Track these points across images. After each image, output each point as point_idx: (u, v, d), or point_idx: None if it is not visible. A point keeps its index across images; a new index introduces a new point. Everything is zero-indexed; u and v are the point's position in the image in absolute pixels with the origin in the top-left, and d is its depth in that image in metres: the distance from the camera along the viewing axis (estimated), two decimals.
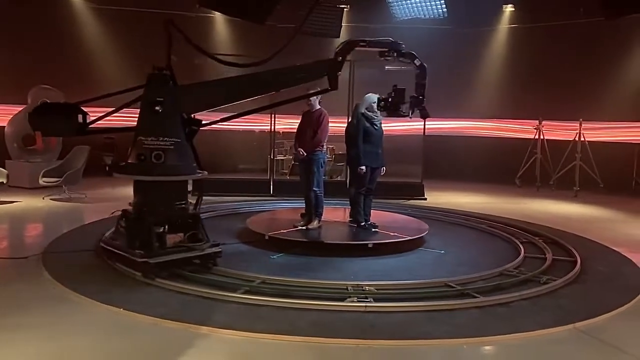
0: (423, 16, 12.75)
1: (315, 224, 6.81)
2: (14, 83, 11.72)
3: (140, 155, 5.04)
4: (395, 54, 5.66)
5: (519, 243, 6.61)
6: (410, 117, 5.86)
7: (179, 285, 4.63)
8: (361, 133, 6.69)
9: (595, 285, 5.15)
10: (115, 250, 5.18)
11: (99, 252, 5.64)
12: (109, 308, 4.16)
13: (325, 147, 6.97)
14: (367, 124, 6.71)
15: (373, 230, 6.71)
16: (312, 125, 6.78)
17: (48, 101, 5.08)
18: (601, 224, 8.56)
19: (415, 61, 5.70)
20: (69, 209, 8.75)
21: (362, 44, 5.63)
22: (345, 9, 13.17)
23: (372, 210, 7.05)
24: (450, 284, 4.88)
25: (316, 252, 5.99)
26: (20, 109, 11.40)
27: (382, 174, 7.01)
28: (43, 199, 9.26)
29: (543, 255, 6.06)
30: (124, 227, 5.19)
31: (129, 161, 5.16)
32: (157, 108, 5.04)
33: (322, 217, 6.92)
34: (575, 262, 5.74)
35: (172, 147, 5.08)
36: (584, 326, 4.07)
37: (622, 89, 12.32)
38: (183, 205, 5.31)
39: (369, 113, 6.72)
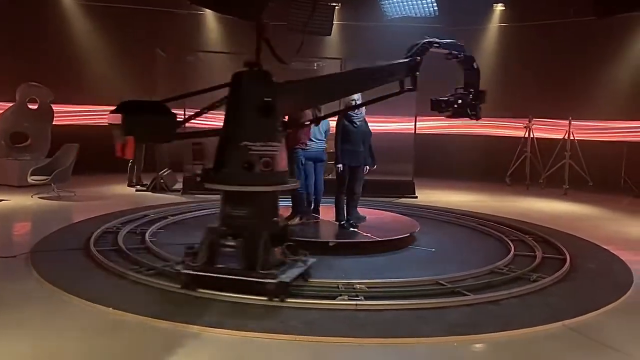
0: (414, 15, 12.75)
1: (295, 221, 6.81)
2: (2, 80, 11.60)
3: (247, 163, 4.45)
4: (459, 56, 5.65)
5: (509, 241, 6.64)
6: (477, 120, 5.86)
7: (169, 284, 4.60)
8: (339, 131, 6.68)
9: (585, 282, 5.18)
10: (222, 276, 4.39)
11: (90, 254, 5.61)
12: (98, 307, 4.13)
13: (308, 145, 6.95)
14: (346, 122, 6.67)
15: (351, 230, 6.65)
16: None
17: (129, 100, 4.38)
18: (590, 222, 8.62)
19: (474, 64, 5.71)
20: (57, 207, 8.67)
21: (435, 45, 5.60)
22: (336, 7, 13.16)
23: (365, 208, 7.03)
24: (440, 282, 4.88)
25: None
26: (8, 106, 11.31)
27: (365, 172, 6.94)
28: (32, 197, 9.18)
29: (533, 253, 6.09)
30: (232, 247, 4.48)
31: (226, 169, 4.52)
32: (267, 107, 4.46)
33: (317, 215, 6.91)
34: (565, 260, 5.77)
35: (277, 152, 4.60)
36: (573, 323, 4.09)
37: (612, 88, 12.39)
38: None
39: (349, 112, 6.68)
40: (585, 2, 6.86)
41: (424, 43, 5.57)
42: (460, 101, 5.66)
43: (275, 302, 4.21)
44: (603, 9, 6.31)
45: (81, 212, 8.05)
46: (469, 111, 5.68)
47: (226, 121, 4.63)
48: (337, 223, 6.81)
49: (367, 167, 6.94)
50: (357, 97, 6.47)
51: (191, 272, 4.41)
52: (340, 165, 6.66)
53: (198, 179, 4.74)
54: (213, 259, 4.47)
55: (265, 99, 4.50)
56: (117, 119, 4.54)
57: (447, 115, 5.87)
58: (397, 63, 5.47)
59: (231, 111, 4.62)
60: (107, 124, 10.68)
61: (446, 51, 5.71)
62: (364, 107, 6.63)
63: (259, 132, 4.50)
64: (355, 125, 6.69)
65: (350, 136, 6.68)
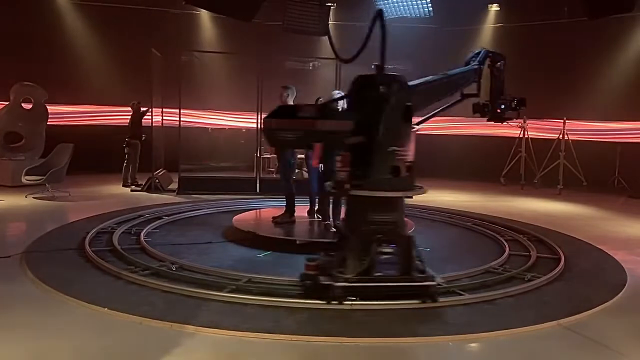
0: (409, 15, 12.77)
1: (285, 217, 6.92)
2: None
3: (394, 168, 4.46)
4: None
5: (503, 241, 6.66)
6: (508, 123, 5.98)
7: (164, 284, 4.60)
8: None
9: (579, 282, 5.20)
10: (381, 285, 4.42)
11: (85, 254, 5.60)
12: (93, 307, 4.12)
13: None
14: None
15: (331, 230, 6.59)
16: None
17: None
18: (584, 222, 8.66)
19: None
20: (52, 207, 8.64)
21: (490, 54, 5.78)
22: (332, 7, 13.16)
23: None
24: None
25: (303, 249, 5.97)
26: (2, 106, 11.26)
27: None
28: (26, 197, 9.14)
29: (527, 253, 6.11)
30: (388, 254, 4.53)
31: (375, 175, 4.46)
32: (408, 112, 4.45)
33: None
34: (559, 259, 5.80)
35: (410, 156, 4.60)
36: (568, 322, 4.11)
37: (606, 89, 12.44)
38: None
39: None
40: (578, 3, 6.91)
41: (486, 51, 5.76)
42: (502, 106, 5.76)
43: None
44: (595, 10, 6.36)
45: (76, 212, 8.02)
46: (507, 116, 5.82)
47: (366, 126, 4.44)
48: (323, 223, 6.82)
49: None
50: (338, 97, 6.49)
51: (346, 284, 4.29)
52: (321, 165, 6.68)
53: (343, 185, 4.57)
54: (370, 268, 4.40)
55: (407, 104, 4.51)
56: (288, 124, 4.38)
57: (488, 119, 5.97)
58: (470, 70, 5.59)
59: (370, 115, 4.45)
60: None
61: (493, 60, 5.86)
62: (345, 107, 6.66)
63: (402, 137, 4.54)
64: None
65: None
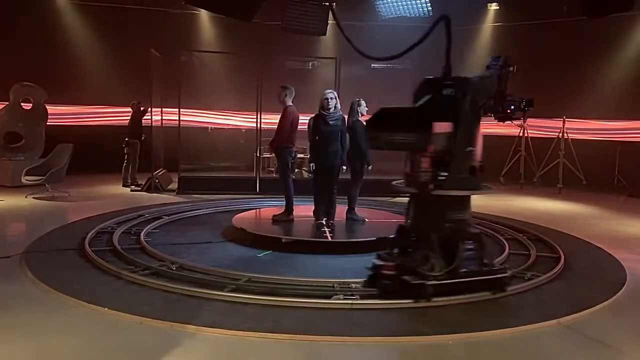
0: (408, 14, 12.77)
1: (284, 216, 6.96)
2: None
3: (472, 168, 4.64)
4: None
5: (503, 240, 6.66)
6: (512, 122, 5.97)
7: (164, 284, 4.60)
8: (311, 130, 6.70)
9: (579, 281, 5.21)
10: (464, 280, 4.52)
11: (85, 254, 5.61)
12: (93, 307, 4.12)
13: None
14: (320, 122, 6.67)
15: (321, 230, 6.65)
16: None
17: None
18: (584, 221, 8.66)
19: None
20: (52, 207, 8.64)
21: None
22: (331, 7, 13.17)
23: (362, 207, 7.05)
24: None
25: (303, 249, 5.99)
26: (2, 106, 11.26)
27: (342, 172, 6.88)
28: (26, 197, 9.14)
29: (527, 252, 6.12)
30: (472, 249, 4.66)
31: (456, 175, 4.58)
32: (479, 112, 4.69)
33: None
34: (559, 258, 5.80)
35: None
36: (568, 321, 4.11)
37: (605, 88, 12.44)
38: None
39: (322, 110, 6.68)
40: (577, 2, 6.91)
41: (505, 57, 5.71)
42: (512, 107, 5.82)
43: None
44: (594, 9, 6.36)
45: (76, 212, 8.02)
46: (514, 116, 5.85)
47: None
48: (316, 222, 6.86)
49: (344, 168, 6.87)
50: (330, 96, 6.51)
51: (436, 282, 4.38)
52: (312, 165, 6.69)
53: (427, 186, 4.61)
54: (457, 265, 4.51)
55: (479, 104, 4.71)
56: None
57: (498, 119, 6.02)
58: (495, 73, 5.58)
59: (446, 117, 4.56)
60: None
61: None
62: (339, 107, 6.68)
63: (476, 137, 4.72)
64: (328, 125, 6.64)
65: (322, 136, 6.68)
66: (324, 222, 6.77)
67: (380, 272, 4.63)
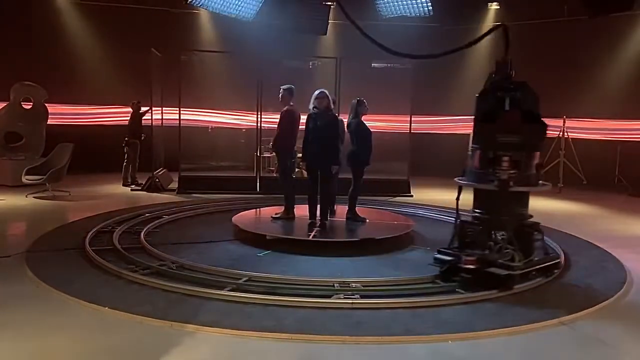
0: (409, 14, 12.76)
1: (284, 215, 7.02)
2: None
3: (538, 166, 5.15)
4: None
5: None
6: None
7: (164, 283, 4.60)
8: (307, 130, 6.70)
9: (579, 280, 5.20)
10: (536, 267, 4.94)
11: (85, 253, 5.59)
12: (94, 307, 4.12)
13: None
14: (310, 120, 6.66)
15: (315, 228, 6.63)
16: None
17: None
18: (584, 220, 8.66)
19: None
20: (52, 207, 8.64)
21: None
22: (331, 6, 13.17)
23: (362, 207, 7.04)
24: (437, 280, 4.90)
25: (303, 249, 5.98)
26: (2, 105, 11.26)
27: (333, 172, 6.80)
28: (26, 197, 9.14)
29: None
30: (540, 239, 5.14)
31: (527, 172, 5.05)
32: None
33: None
34: (560, 257, 5.79)
35: None
36: (568, 320, 4.11)
37: (605, 87, 12.44)
38: None
39: (312, 110, 6.64)
40: (578, 1, 6.91)
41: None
42: None
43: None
44: (595, 8, 6.35)
45: (76, 211, 8.03)
46: None
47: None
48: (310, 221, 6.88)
49: (335, 167, 6.79)
50: (316, 95, 6.50)
51: (521, 271, 4.72)
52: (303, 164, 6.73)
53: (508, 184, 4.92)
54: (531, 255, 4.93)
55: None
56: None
57: None
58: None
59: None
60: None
61: None
62: (331, 107, 6.69)
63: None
64: (316, 124, 6.57)
65: (306, 136, 6.69)
66: (315, 222, 6.76)
67: (458, 266, 4.81)
